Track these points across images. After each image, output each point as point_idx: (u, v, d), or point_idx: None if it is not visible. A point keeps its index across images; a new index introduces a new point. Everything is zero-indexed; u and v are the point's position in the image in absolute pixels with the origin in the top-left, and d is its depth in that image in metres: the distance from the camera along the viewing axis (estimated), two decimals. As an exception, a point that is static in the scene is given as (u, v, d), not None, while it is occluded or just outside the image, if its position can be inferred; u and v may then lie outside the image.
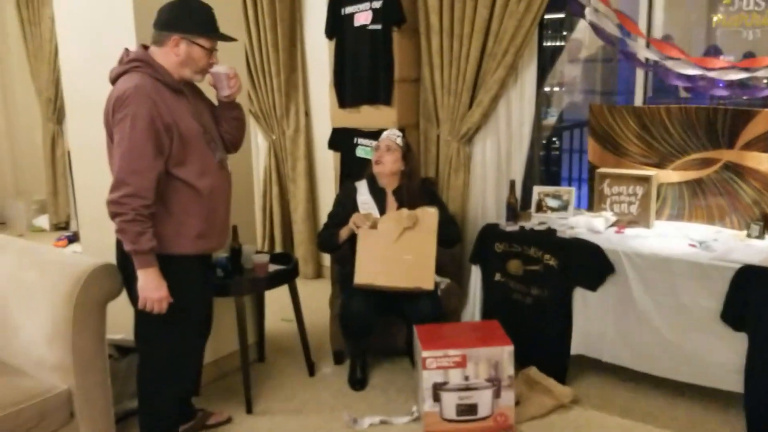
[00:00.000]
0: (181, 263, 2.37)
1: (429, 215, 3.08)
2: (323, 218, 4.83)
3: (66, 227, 6.63)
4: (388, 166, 3.26)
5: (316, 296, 4.26)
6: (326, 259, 4.87)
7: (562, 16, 4.84)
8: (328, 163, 4.61)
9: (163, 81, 2.31)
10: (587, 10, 3.56)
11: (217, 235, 2.52)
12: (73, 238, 6.14)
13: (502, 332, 2.87)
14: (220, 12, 2.47)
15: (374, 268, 3.01)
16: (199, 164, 2.37)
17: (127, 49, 2.39)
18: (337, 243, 3.25)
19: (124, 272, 2.45)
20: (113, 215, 2.22)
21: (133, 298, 2.44)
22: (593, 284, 2.99)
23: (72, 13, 3.16)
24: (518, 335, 2.87)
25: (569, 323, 3.09)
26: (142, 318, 2.43)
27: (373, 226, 3.07)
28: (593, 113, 3.48)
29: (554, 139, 5.56)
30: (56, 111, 6.38)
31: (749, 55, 3.39)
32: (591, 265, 2.98)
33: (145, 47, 2.38)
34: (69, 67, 3.28)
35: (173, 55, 2.33)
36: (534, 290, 3.17)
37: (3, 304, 2.62)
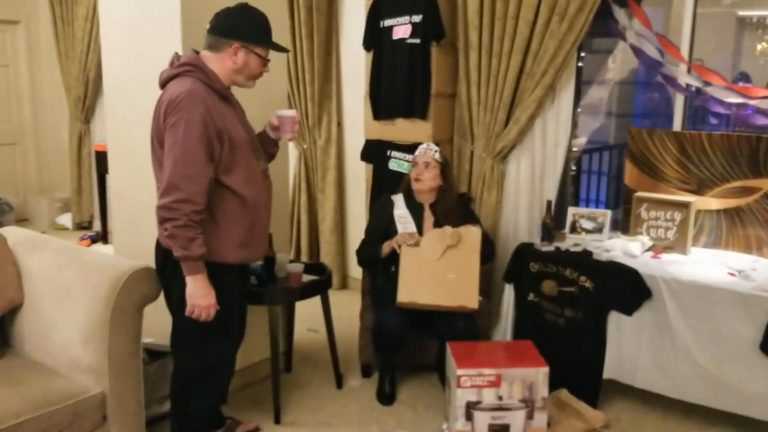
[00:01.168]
0: (222, 272, 2.36)
1: (472, 233, 3.05)
2: (352, 230, 4.88)
3: (89, 227, 6.65)
4: (427, 183, 3.24)
5: (342, 307, 4.22)
6: (353, 270, 4.86)
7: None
8: (358, 174, 4.61)
9: (213, 87, 2.31)
10: (628, 33, 3.55)
11: (258, 244, 2.51)
12: (96, 238, 6.17)
13: (536, 353, 2.84)
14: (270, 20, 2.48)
15: (417, 286, 2.98)
16: (245, 172, 2.37)
17: (177, 53, 2.40)
18: (379, 258, 3.22)
19: (163, 278, 2.45)
20: (163, 220, 2.21)
21: (172, 305, 2.44)
22: (629, 309, 2.96)
23: (117, 12, 3.17)
24: (550, 356, 2.84)
25: (602, 347, 3.06)
26: (181, 325, 2.42)
27: (416, 243, 3.05)
28: (632, 136, 3.46)
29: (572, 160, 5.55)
30: (85, 109, 6.42)
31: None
32: (627, 289, 2.95)
33: (196, 52, 2.38)
34: (111, 67, 3.29)
35: (230, 62, 2.33)
36: (568, 312, 3.14)
37: (38, 303, 2.62)
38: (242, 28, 2.33)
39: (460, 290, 2.98)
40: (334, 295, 4.08)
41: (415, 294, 2.97)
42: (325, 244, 4.88)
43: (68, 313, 2.51)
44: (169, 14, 2.85)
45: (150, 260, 2.53)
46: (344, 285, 4.92)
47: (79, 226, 6.68)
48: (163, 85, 2.33)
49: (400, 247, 3.05)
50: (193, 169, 2.20)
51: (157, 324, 2.79)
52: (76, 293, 2.51)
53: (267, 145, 2.63)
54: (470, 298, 2.97)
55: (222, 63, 2.33)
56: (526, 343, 2.96)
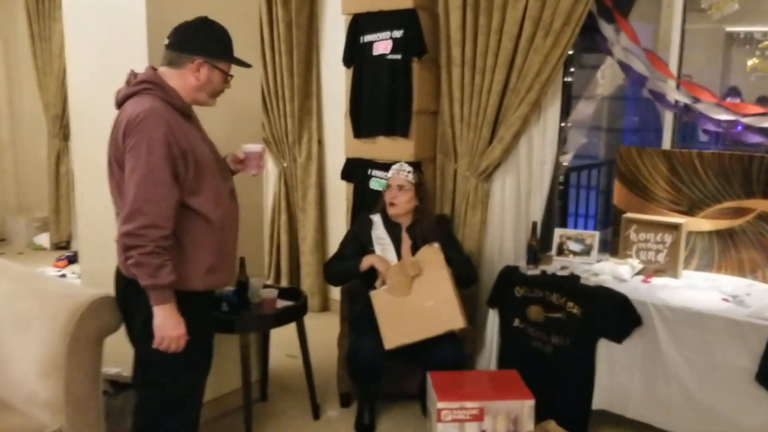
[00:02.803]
0: (188, 300, 2.20)
1: (432, 253, 2.95)
2: (333, 250, 4.68)
3: (67, 246, 6.48)
4: (402, 207, 3.12)
5: (323, 332, 4.09)
6: (334, 292, 4.71)
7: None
8: (339, 193, 4.48)
9: (174, 105, 2.17)
10: (615, 48, 3.45)
11: (227, 269, 2.37)
12: (73, 258, 5.99)
13: (521, 384, 2.71)
14: (236, 35, 2.36)
15: (400, 327, 2.87)
16: (212, 193, 2.23)
17: (133, 71, 2.26)
18: (357, 272, 3.07)
19: (124, 308, 2.31)
20: (127, 248, 2.06)
21: (134, 336, 2.29)
22: (619, 336, 2.83)
23: (82, 28, 3.05)
24: (537, 385, 2.73)
25: (592, 376, 2.92)
26: (144, 358, 2.27)
27: (383, 282, 2.96)
28: (621, 155, 3.35)
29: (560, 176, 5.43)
30: (63, 127, 6.27)
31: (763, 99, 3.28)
32: (617, 315, 2.82)
33: (153, 68, 2.25)
34: (76, 84, 3.18)
35: (192, 78, 2.20)
36: (555, 339, 3.01)
37: (-5, 334, 2.47)
38: (204, 43, 2.21)
39: (442, 315, 2.86)
40: (314, 318, 3.94)
41: (401, 336, 2.85)
42: (306, 265, 4.74)
43: (25, 345, 2.36)
44: (135, 30, 2.73)
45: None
46: (325, 307, 4.77)
47: (57, 246, 6.51)
48: (120, 104, 2.20)
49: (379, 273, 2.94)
50: (158, 192, 2.06)
51: (123, 353, 2.64)
52: (33, 324, 2.37)
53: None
54: (455, 319, 2.84)
55: (183, 79, 2.20)
56: (511, 373, 2.82)
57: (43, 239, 6.59)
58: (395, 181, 3.16)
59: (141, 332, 2.22)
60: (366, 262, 3.03)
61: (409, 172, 3.17)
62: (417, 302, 2.88)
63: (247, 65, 2.34)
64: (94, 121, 3.03)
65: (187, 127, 2.20)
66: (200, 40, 2.20)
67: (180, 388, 2.34)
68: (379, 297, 2.94)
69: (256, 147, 2.49)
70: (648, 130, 5.88)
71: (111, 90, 2.31)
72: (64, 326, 2.27)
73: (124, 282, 2.25)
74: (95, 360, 2.36)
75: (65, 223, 6.48)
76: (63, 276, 5.53)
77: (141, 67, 2.37)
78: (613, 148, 5.81)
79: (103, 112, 2.93)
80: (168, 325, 2.13)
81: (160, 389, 2.31)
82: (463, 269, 3.07)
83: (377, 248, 3.10)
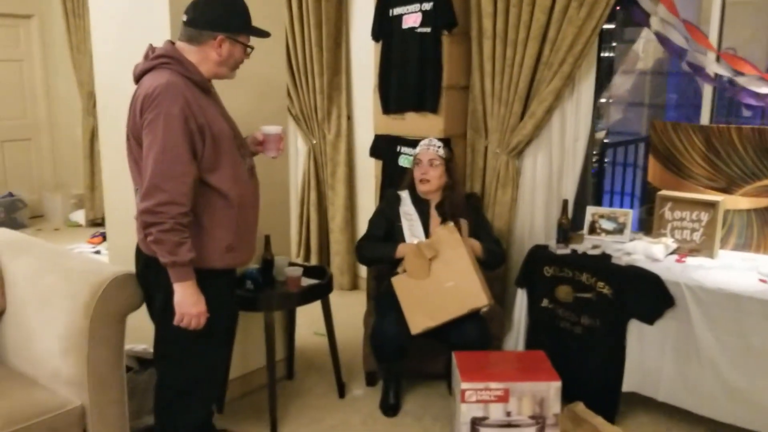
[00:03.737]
0: (208, 278, 2.18)
1: (448, 232, 2.88)
2: (362, 228, 4.68)
3: (102, 223, 6.56)
4: (435, 183, 3.05)
5: (352, 310, 4.06)
6: (364, 270, 4.68)
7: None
8: (369, 170, 4.43)
9: (193, 79, 2.14)
10: (652, 20, 3.31)
11: (246, 248, 2.34)
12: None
13: (548, 365, 2.64)
14: (260, 8, 2.31)
15: (423, 311, 2.81)
16: (230, 170, 2.20)
17: (151, 45, 2.23)
18: (392, 260, 3.00)
19: (144, 285, 2.30)
20: (147, 225, 2.04)
21: (154, 313, 2.29)
22: (651, 317, 2.74)
23: (105, 3, 3.03)
24: (565, 367, 2.66)
25: (622, 357, 2.84)
26: (164, 335, 2.27)
27: (403, 270, 2.90)
28: (656, 130, 3.23)
29: (594, 152, 5.29)
30: (96, 105, 6.31)
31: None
32: (649, 296, 2.73)
33: (172, 42, 2.21)
34: (100, 60, 3.18)
35: (214, 54, 2.16)
36: (584, 319, 2.93)
37: (21, 311, 2.49)
38: (225, 18, 2.16)
39: (465, 294, 2.80)
40: (343, 297, 3.91)
41: (425, 319, 2.80)
42: (335, 242, 4.71)
43: (49, 322, 2.38)
44: (157, 4, 2.69)
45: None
46: (355, 285, 4.74)
47: (93, 223, 6.60)
48: (138, 78, 2.17)
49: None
50: (176, 168, 2.03)
51: (149, 330, 2.65)
52: (56, 300, 2.38)
53: None
54: (478, 297, 2.78)
55: (204, 55, 2.16)
56: (538, 354, 2.75)
57: (79, 216, 6.69)
58: (425, 156, 3.08)
59: (161, 310, 2.22)
60: (401, 251, 2.97)
61: (439, 146, 3.10)
62: (438, 284, 2.82)
63: (266, 35, 2.28)
64: (117, 97, 3.02)
65: (206, 102, 2.17)
66: (221, 16, 2.15)
67: (200, 366, 2.34)
68: (400, 282, 2.89)
69: (275, 129, 2.44)
70: (690, 105, 5.69)
71: (132, 64, 2.28)
72: (86, 303, 2.27)
73: (143, 260, 2.24)
74: (117, 337, 2.36)
75: (100, 200, 6.55)
76: (98, 252, 5.61)
77: (163, 41, 2.34)
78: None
79: (126, 87, 2.93)
80: (188, 302, 2.11)
81: (180, 367, 2.31)
82: (491, 250, 3.00)
83: (404, 224, 3.04)
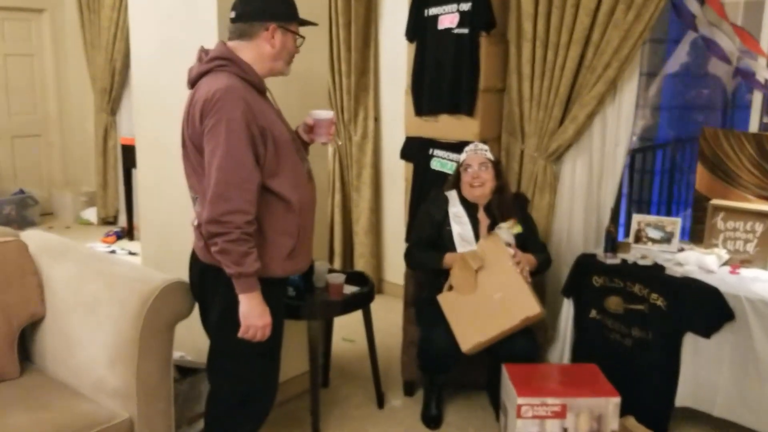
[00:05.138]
0: (267, 288, 2.09)
1: (492, 242, 2.79)
2: (387, 231, 4.62)
3: (114, 222, 6.46)
4: (488, 185, 2.97)
5: (379, 314, 3.93)
6: (389, 273, 4.62)
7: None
8: (395, 172, 4.35)
9: (250, 81, 2.05)
10: (699, 22, 3.24)
11: (305, 254, 2.26)
12: (121, 234, 5.99)
13: (604, 380, 2.58)
14: (306, 5, 2.24)
15: (473, 327, 2.69)
16: (291, 175, 2.11)
17: (203, 47, 2.14)
18: (440, 269, 2.90)
19: (201, 295, 2.22)
20: (212, 235, 1.95)
21: (209, 324, 2.20)
22: (707, 330, 2.67)
23: (146, 4, 2.94)
24: (614, 380, 2.60)
25: (675, 371, 2.77)
26: (220, 347, 2.19)
27: (450, 287, 2.80)
28: (705, 137, 3.16)
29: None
30: (110, 101, 6.21)
31: None
32: (706, 309, 2.67)
33: (224, 43, 2.12)
34: (139, 58, 3.06)
35: (268, 47, 2.07)
36: (635, 331, 2.86)
37: (62, 318, 2.40)
38: (274, 6, 2.08)
39: (515, 304, 2.68)
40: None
41: (475, 335, 2.67)
42: (360, 245, 4.62)
43: (93, 331, 2.29)
44: (204, 4, 2.60)
45: (181, 268, 2.30)
46: (379, 289, 4.66)
47: (104, 221, 6.49)
48: (194, 83, 2.08)
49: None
50: (240, 175, 1.95)
51: (186, 337, 2.57)
52: (101, 308, 2.29)
53: None
54: (529, 307, 2.65)
55: (258, 51, 2.07)
56: (592, 368, 2.68)
57: (90, 214, 6.58)
58: (475, 161, 3.00)
59: (219, 321, 2.14)
60: (448, 261, 2.88)
61: (486, 149, 3.03)
62: (486, 297, 2.72)
63: (313, 24, 2.21)
64: (157, 97, 2.94)
65: (263, 104, 2.09)
66: (270, 5, 2.07)
67: (255, 378, 2.26)
68: (446, 299, 2.79)
69: (326, 113, 2.32)
70: (711, 109, 5.62)
71: (175, 65, 2.21)
72: (136, 312, 2.18)
73: (200, 267, 2.16)
74: (166, 347, 2.28)
75: (112, 198, 6.46)
76: (113, 252, 5.51)
77: (208, 41, 2.26)
78: (675, 129, 5.59)
79: (166, 87, 2.85)
80: (254, 314, 2.03)
81: (236, 380, 2.22)
82: (544, 260, 2.93)
83: (454, 227, 2.95)
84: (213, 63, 2.04)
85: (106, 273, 2.39)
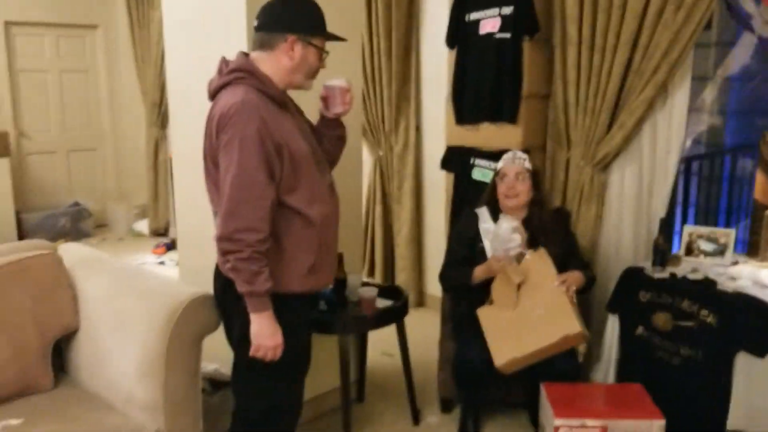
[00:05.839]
0: (288, 304, 2.06)
1: (538, 257, 2.68)
2: (429, 243, 4.53)
3: (165, 233, 6.56)
4: (523, 197, 2.86)
5: (420, 328, 3.89)
6: (430, 286, 4.52)
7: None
8: (437, 183, 4.27)
9: (269, 94, 2.01)
10: (755, 22, 3.07)
11: (327, 269, 2.20)
12: (171, 245, 6.07)
13: (649, 400, 2.44)
14: (339, 15, 2.18)
15: (509, 342, 2.58)
16: (310, 190, 2.06)
17: (224, 58, 2.11)
18: (471, 284, 2.83)
19: (223, 310, 2.19)
20: (225, 252, 1.93)
21: (232, 340, 2.16)
22: (763, 350, 2.49)
23: (180, 14, 2.95)
24: (661, 400, 2.47)
25: (727, 393, 2.60)
26: (242, 363, 2.15)
27: (491, 301, 2.69)
28: (765, 142, 2.98)
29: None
30: (160, 115, 6.33)
31: None
32: (762, 327, 2.49)
33: (245, 54, 2.09)
34: (174, 72, 3.09)
35: (287, 58, 2.02)
36: (684, 350, 2.70)
37: (95, 331, 2.41)
38: (296, 18, 2.03)
39: (555, 321, 2.57)
40: (409, 314, 3.74)
41: (511, 350, 2.57)
42: (401, 258, 4.55)
43: (124, 344, 2.29)
44: (234, 17, 2.59)
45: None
46: (421, 303, 4.58)
47: (156, 233, 6.60)
48: (213, 95, 2.06)
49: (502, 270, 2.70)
50: (253, 192, 1.92)
51: (222, 350, 2.54)
52: (131, 322, 2.30)
53: (328, 129, 2.27)
54: (569, 325, 2.53)
55: (277, 62, 2.03)
56: (635, 387, 2.54)
57: (142, 226, 6.71)
58: (512, 170, 2.89)
59: (239, 336, 2.11)
60: (478, 274, 2.79)
61: (524, 158, 2.91)
62: (526, 312, 2.61)
63: (341, 39, 2.14)
64: (191, 110, 2.93)
65: (283, 117, 2.04)
66: (291, 16, 2.02)
67: (279, 394, 2.22)
68: (485, 313, 2.69)
69: (338, 81, 2.20)
70: (757, 112, 5.35)
71: (207, 79, 2.18)
72: (163, 326, 2.18)
73: (222, 282, 2.13)
74: (194, 360, 2.27)
75: (163, 210, 6.56)
76: (162, 263, 5.59)
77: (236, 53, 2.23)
78: (720, 135, 5.32)
79: (200, 100, 2.83)
80: (265, 334, 2.00)
81: (259, 395, 2.19)
82: (590, 278, 2.80)
83: (486, 244, 2.85)
84: (232, 75, 2.01)
85: (136, 287, 2.40)
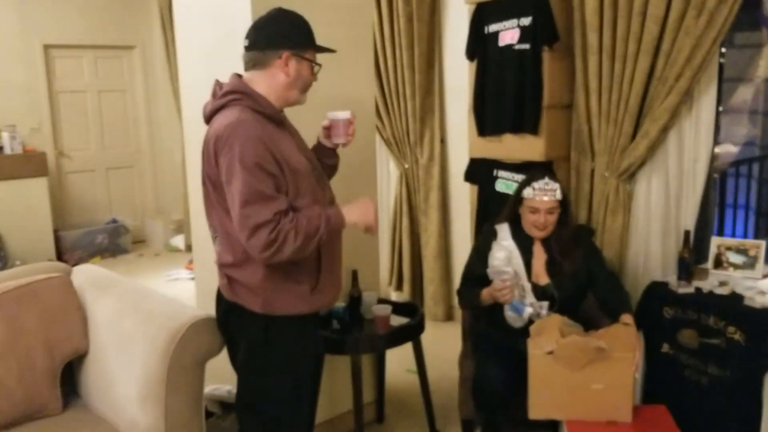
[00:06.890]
0: (294, 325, 2.03)
1: (625, 332, 2.47)
2: (457, 255, 4.46)
3: (199, 248, 6.63)
4: (551, 228, 2.75)
5: (447, 343, 3.81)
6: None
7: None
8: (463, 195, 4.20)
9: (265, 113, 1.99)
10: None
11: (331, 288, 2.16)
12: (205, 261, 6.12)
13: (672, 423, 2.32)
14: (346, 33, 2.15)
15: (554, 401, 2.46)
16: (311, 205, 2.03)
17: (218, 81, 2.10)
18: (479, 305, 2.76)
19: (226, 333, 2.17)
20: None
21: (236, 361, 2.14)
22: (794, 370, 2.36)
23: (191, 36, 2.98)
24: (688, 420, 2.38)
25: (758, 413, 2.46)
26: (247, 387, 2.12)
27: (551, 351, 2.47)
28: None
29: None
30: (184, 143, 6.41)
31: None
32: (792, 345, 2.35)
33: (239, 75, 2.07)
34: (186, 92, 3.11)
35: (282, 75, 2.00)
36: (712, 368, 2.57)
37: (102, 354, 2.43)
38: (288, 33, 2.01)
39: (609, 402, 2.40)
40: (437, 329, 3.69)
41: (553, 410, 2.46)
42: (429, 270, 4.49)
43: (128, 367, 2.29)
44: (242, 38, 2.58)
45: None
46: (450, 316, 4.50)
47: (191, 248, 6.67)
48: (209, 119, 2.05)
49: (503, 298, 2.62)
50: (264, 197, 1.88)
51: (232, 372, 2.53)
52: (135, 345, 2.29)
53: (324, 157, 2.26)
54: (622, 411, 2.40)
55: (272, 80, 2.01)
56: (659, 409, 2.43)
57: (179, 241, 6.80)
58: (544, 205, 2.71)
59: (244, 361, 2.09)
60: (485, 298, 2.72)
61: (556, 189, 2.73)
62: (584, 381, 2.43)
63: (330, 51, 2.12)
64: (202, 131, 2.94)
65: (280, 135, 2.01)
66: (283, 32, 2.01)
67: (284, 415, 2.16)
68: (538, 360, 2.48)
69: (342, 113, 2.21)
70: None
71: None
72: (164, 349, 2.17)
73: (224, 305, 2.12)
74: (196, 384, 2.25)
75: (197, 226, 6.64)
76: (194, 278, 5.62)
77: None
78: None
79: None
80: (359, 216, 2.08)
81: (263, 420, 2.14)
82: (614, 298, 2.67)
83: (493, 261, 2.74)
84: (226, 98, 2.00)
85: (141, 309, 2.40)
